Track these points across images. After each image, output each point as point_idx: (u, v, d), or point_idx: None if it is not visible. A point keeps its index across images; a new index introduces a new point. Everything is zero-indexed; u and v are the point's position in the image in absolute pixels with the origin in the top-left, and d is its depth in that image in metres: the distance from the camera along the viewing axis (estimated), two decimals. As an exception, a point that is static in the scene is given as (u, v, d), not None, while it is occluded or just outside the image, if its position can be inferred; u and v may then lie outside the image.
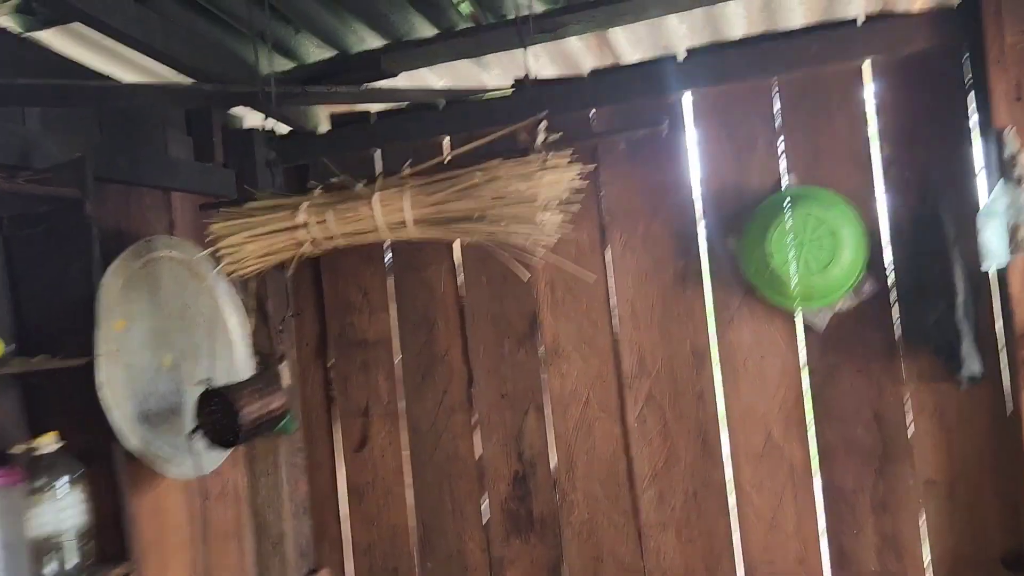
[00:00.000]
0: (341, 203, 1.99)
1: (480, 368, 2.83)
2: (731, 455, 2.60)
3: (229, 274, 2.13)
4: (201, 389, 2.11)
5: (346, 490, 3.00)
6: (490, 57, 2.83)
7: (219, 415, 2.17)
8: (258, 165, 2.86)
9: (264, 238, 2.02)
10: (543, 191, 1.86)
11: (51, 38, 2.34)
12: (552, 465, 2.77)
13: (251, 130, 2.89)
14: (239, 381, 2.21)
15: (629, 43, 2.78)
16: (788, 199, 2.44)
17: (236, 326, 2.62)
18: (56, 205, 2.08)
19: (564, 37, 2.54)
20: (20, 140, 2.16)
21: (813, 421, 2.53)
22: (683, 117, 2.61)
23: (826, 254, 2.37)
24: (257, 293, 2.84)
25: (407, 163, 1.98)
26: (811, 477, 2.53)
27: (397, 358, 2.93)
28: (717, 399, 2.60)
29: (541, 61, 2.85)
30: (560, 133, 1.90)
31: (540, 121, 1.85)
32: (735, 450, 2.59)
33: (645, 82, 2.57)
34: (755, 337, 2.56)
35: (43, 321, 2.13)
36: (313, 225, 1.99)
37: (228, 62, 2.53)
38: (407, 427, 2.92)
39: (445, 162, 1.97)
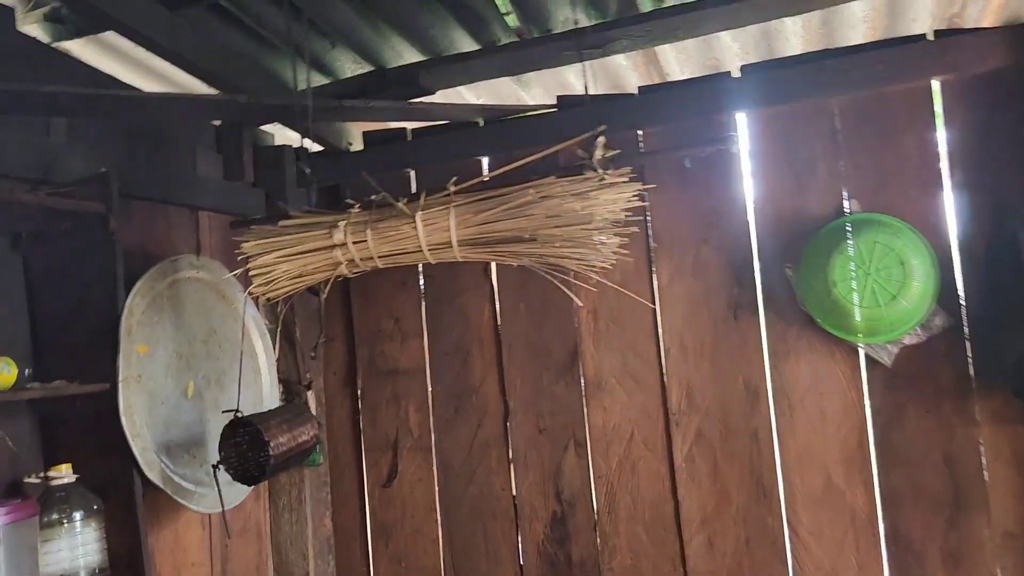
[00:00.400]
0: (381, 221, 1.86)
1: (517, 401, 2.68)
2: (787, 499, 2.42)
3: (260, 296, 2.00)
4: (228, 418, 1.97)
5: (373, 528, 2.84)
6: (530, 75, 2.72)
7: (246, 447, 2.04)
8: (288, 184, 2.74)
9: (298, 258, 1.90)
10: (600, 211, 1.72)
11: (80, 49, 2.25)
12: (593, 506, 2.60)
13: (282, 147, 2.78)
14: (267, 411, 2.08)
15: (678, 61, 2.67)
16: (851, 225, 2.30)
17: (263, 352, 2.49)
18: (79, 221, 1.97)
19: (613, 53, 2.42)
20: (44, 153, 2.05)
21: (877, 464, 2.35)
22: (738, 138, 2.47)
23: (894, 285, 2.21)
24: (285, 318, 2.70)
25: (452, 179, 1.85)
26: (875, 525, 2.35)
27: (429, 389, 2.78)
28: (772, 438, 2.43)
29: (585, 79, 2.73)
30: (618, 151, 1.77)
31: (598, 135, 1.72)
32: (791, 494, 2.42)
33: (698, 100, 2.44)
34: (814, 372, 2.40)
35: (62, 343, 2.01)
36: (351, 245, 1.86)
37: (261, 76, 2.43)
38: (438, 462, 2.76)
39: (488, 179, 1.84)
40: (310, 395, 2.70)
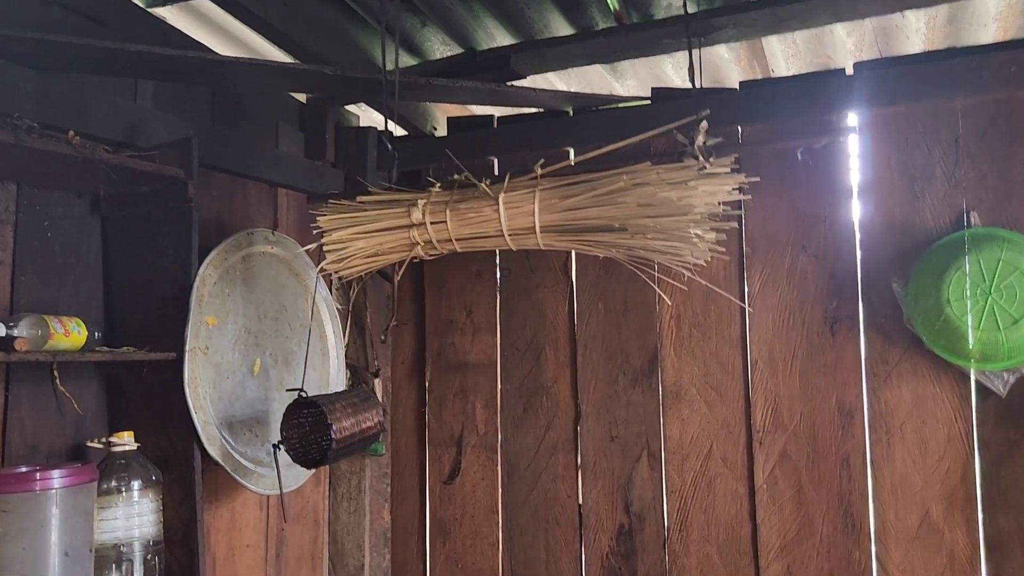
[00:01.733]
0: (462, 202, 1.76)
1: (589, 405, 2.55)
2: (877, 533, 2.23)
3: (333, 276, 1.93)
4: (292, 397, 1.90)
5: (432, 525, 2.75)
6: (625, 65, 2.60)
7: (309, 428, 1.97)
8: (369, 166, 2.69)
9: (374, 236, 1.82)
10: (699, 201, 1.58)
11: (173, 16, 2.24)
12: (664, 522, 2.45)
13: (366, 129, 2.73)
14: (334, 392, 2.00)
15: (784, 56, 2.51)
16: (970, 240, 2.09)
17: (332, 335, 2.43)
18: (158, 186, 1.94)
19: (718, 43, 2.28)
20: (129, 116, 2.03)
21: (982, 503, 2.14)
22: (847, 139, 2.29)
23: (1017, 307, 2.00)
24: (356, 302, 2.64)
25: (540, 162, 1.74)
26: (976, 570, 2.13)
27: (498, 386, 2.68)
28: (866, 466, 2.24)
29: (683, 72, 2.59)
30: (720, 139, 1.63)
31: (701, 120, 1.58)
32: (883, 528, 2.22)
33: (806, 98, 2.27)
34: (917, 398, 2.20)
35: (133, 309, 1.98)
36: (429, 225, 1.77)
37: (349, 51, 2.38)
38: (503, 462, 2.65)
39: (576, 163, 1.73)
40: (377, 383, 2.63)
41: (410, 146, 2.70)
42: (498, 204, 1.72)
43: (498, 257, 2.68)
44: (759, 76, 2.57)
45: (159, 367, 1.91)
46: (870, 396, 2.25)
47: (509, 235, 1.74)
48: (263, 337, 2.17)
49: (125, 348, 1.90)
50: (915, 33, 2.34)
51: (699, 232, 1.60)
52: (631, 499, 2.48)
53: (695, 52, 2.41)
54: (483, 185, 1.76)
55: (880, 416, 2.24)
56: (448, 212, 1.76)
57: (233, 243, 2.08)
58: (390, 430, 2.79)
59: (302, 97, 2.69)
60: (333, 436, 1.80)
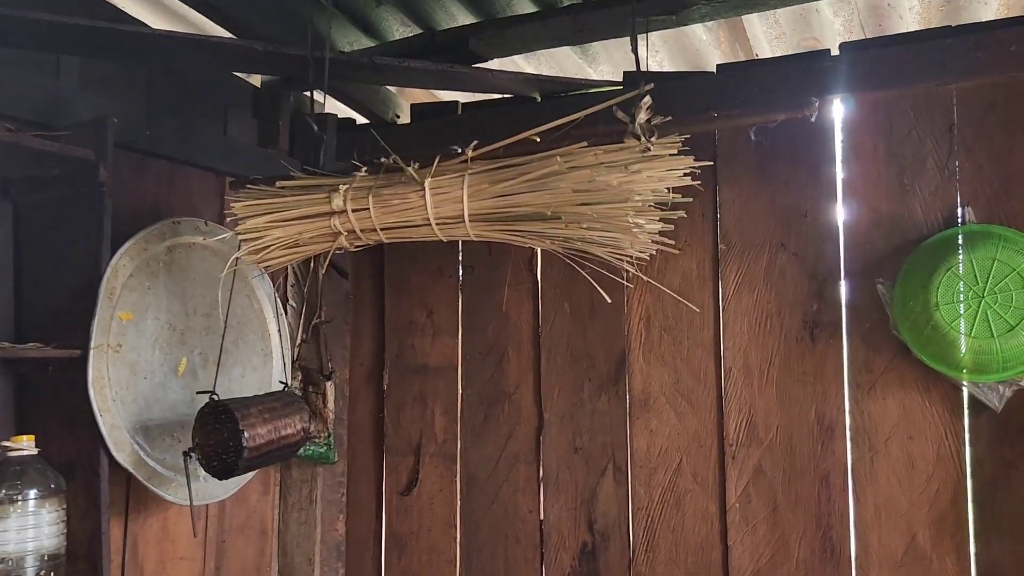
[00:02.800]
0: (386, 188, 1.60)
1: (553, 413, 2.37)
2: (858, 560, 2.03)
3: (258, 265, 1.77)
4: (204, 401, 1.74)
5: (387, 539, 2.58)
6: (598, 48, 2.43)
7: (227, 434, 1.80)
8: (327, 156, 2.52)
9: (293, 224, 1.65)
10: (640, 187, 1.41)
11: (104, -11, 2.09)
12: (629, 541, 2.26)
13: (325, 116, 2.57)
14: (252, 396, 1.84)
15: (767, 39, 2.32)
16: (963, 238, 1.90)
17: (275, 333, 2.27)
18: (68, 169, 1.79)
19: (689, 23, 2.09)
20: (49, 96, 1.89)
21: (974, 529, 1.93)
22: (832, 127, 2.09)
23: (1013, 313, 1.80)
24: (309, 300, 2.49)
25: (472, 144, 1.57)
26: (967, 603, 1.93)
27: (459, 391, 2.50)
28: (847, 485, 2.04)
29: (659, 56, 2.42)
30: (668, 117, 1.45)
31: (643, 95, 1.40)
32: (865, 553, 2.02)
33: (786, 81, 2.08)
34: (903, 411, 2.00)
35: (44, 302, 1.84)
36: (351, 213, 1.61)
37: (300, 32, 2.21)
38: (462, 473, 2.48)
39: (509, 144, 1.56)
40: (329, 386, 2.47)
41: (369, 135, 2.53)
42: (424, 190, 1.55)
43: (460, 254, 2.51)
44: (742, 60, 2.38)
45: (65, 365, 1.76)
46: (852, 408, 2.05)
47: (436, 224, 1.57)
48: (191, 335, 2.02)
49: (31, 344, 1.76)
50: (908, 12, 2.14)
51: (641, 222, 1.41)
52: (595, 516, 2.30)
53: (670, 36, 2.24)
54: (410, 169, 1.59)
55: (863, 431, 2.03)
56: (371, 199, 1.60)
57: (155, 232, 1.92)
58: (347, 437, 2.63)
59: (256, 81, 2.54)
60: (245, 444, 1.64)
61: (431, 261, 2.54)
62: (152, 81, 2.19)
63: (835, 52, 2.08)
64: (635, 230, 1.40)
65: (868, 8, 2.16)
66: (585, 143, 1.44)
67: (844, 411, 2.06)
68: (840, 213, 2.08)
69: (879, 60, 2.02)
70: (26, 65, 1.86)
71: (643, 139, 1.39)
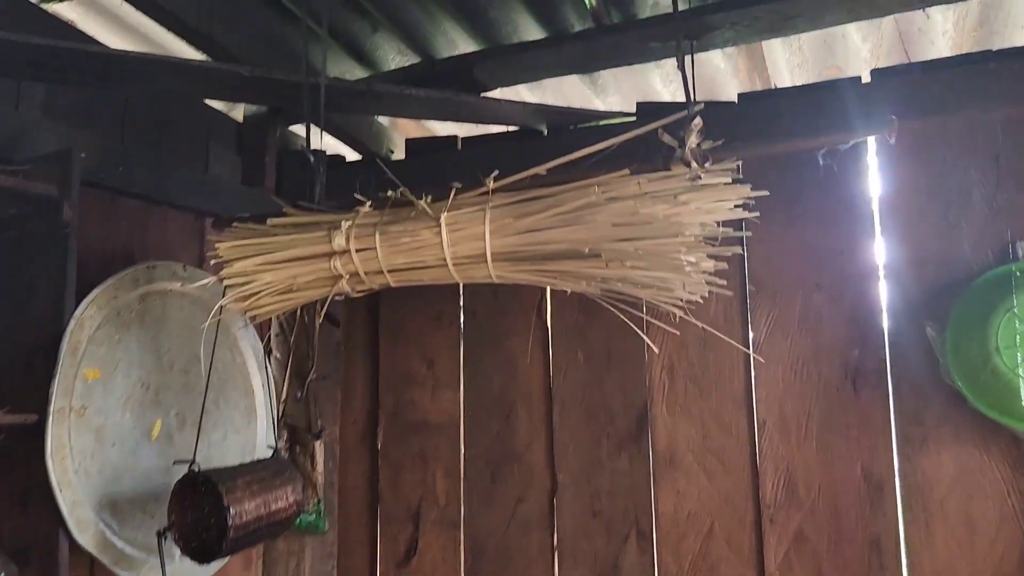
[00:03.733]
0: (395, 224, 1.40)
1: (568, 473, 2.15)
2: (917, 634, 1.82)
3: (245, 314, 1.56)
4: (182, 472, 1.52)
5: (383, 616, 2.32)
6: (607, 78, 2.28)
7: (208, 510, 1.57)
8: (318, 196, 2.33)
9: (287, 266, 1.45)
10: (691, 220, 1.22)
11: (69, 11, 1.90)
12: (656, 616, 2.04)
13: (314, 152, 2.38)
14: (239, 465, 1.61)
15: (788, 66, 2.18)
16: (1019, 275, 1.74)
17: (260, 389, 2.05)
18: (27, 207, 1.58)
19: (713, 47, 1.95)
20: (7, 127, 1.69)
21: (1046, 598, 1.74)
22: (865, 159, 1.94)
23: (1083, 356, 1.64)
24: (297, 351, 2.27)
25: (493, 174, 1.39)
26: None
27: (462, 450, 2.28)
28: (899, 551, 1.84)
29: (673, 86, 2.27)
30: (720, 141, 1.28)
31: (693, 116, 1.23)
32: (924, 627, 1.82)
33: (816, 111, 1.93)
34: (960, 467, 1.81)
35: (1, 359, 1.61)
36: (354, 253, 1.41)
37: (283, 57, 2.04)
38: (467, 542, 2.24)
39: (540, 174, 1.38)
40: (319, 446, 2.24)
41: (363, 171, 2.35)
42: (439, 226, 1.36)
43: (462, 298, 2.31)
44: (760, 89, 2.24)
45: (19, 433, 1.52)
46: (903, 465, 1.86)
47: (453, 264, 1.37)
48: (167, 393, 1.79)
49: (-20, 408, 1.52)
50: (941, 37, 2.02)
51: (692, 260, 1.23)
52: (617, 588, 2.07)
53: (687, 56, 2.08)
54: (422, 203, 1.40)
55: (916, 490, 1.84)
56: (377, 236, 1.40)
57: (126, 278, 1.71)
58: (338, 502, 2.39)
59: (239, 115, 2.35)
60: (230, 522, 1.41)
61: (430, 306, 2.34)
62: (125, 113, 2.00)
63: (866, 77, 1.94)
64: (688, 268, 1.21)
65: (898, 33, 2.03)
66: (627, 171, 1.26)
67: (894, 468, 1.87)
68: (880, 251, 1.92)
69: (916, 87, 1.87)
70: (-20, 92, 1.66)
71: (694, 165, 1.21)
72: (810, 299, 1.97)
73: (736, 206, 1.29)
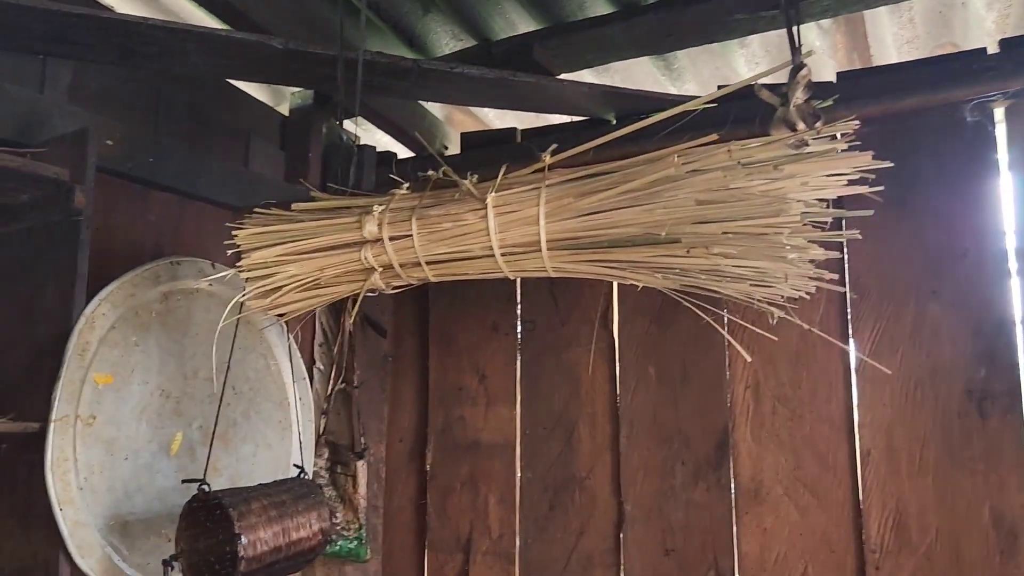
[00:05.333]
0: (434, 207, 1.19)
1: (636, 504, 1.90)
2: None
3: (268, 312, 1.38)
4: (191, 494, 1.33)
5: (429, 656, 2.10)
6: (684, 61, 2.04)
7: (222, 537, 1.38)
8: (352, 177, 2.15)
9: (312, 258, 1.26)
10: (797, 195, 0.98)
11: (100, -12, 1.76)
12: (739, 674, 1.76)
13: (362, 148, 2.21)
14: (256, 486, 1.42)
15: (896, 42, 1.90)
16: None
17: (296, 401, 1.86)
18: (38, 193, 1.43)
19: (810, 19, 1.70)
20: (29, 111, 1.55)
21: None
22: (993, 143, 1.66)
23: None
24: (338, 361, 2.08)
25: (551, 147, 1.18)
26: None
27: (518, 474, 2.05)
28: (1039, 610, 1.53)
29: (759, 67, 2.02)
30: (836, 95, 1.03)
31: (800, 67, 0.99)
32: None
33: (931, 87, 1.66)
34: (1117, 511, 1.50)
35: (5, 362, 1.46)
36: (387, 241, 1.21)
37: (323, 39, 1.86)
38: (522, 577, 2.01)
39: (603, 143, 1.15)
40: (361, 466, 2.04)
41: (413, 167, 2.16)
42: (486, 208, 1.15)
43: (519, 306, 2.09)
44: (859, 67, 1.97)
45: (21, 443, 1.36)
46: (1042, 506, 1.55)
47: (502, 254, 1.15)
48: (189, 404, 1.61)
49: (-20, 415, 1.37)
50: (1083, 3, 1.72)
51: (800, 244, 0.99)
52: (693, 639, 1.81)
53: (770, 43, 1.85)
54: (467, 183, 1.19)
55: (1059, 537, 1.53)
56: (415, 222, 1.19)
57: (146, 275, 1.54)
58: (382, 528, 2.18)
59: (285, 109, 2.20)
60: (241, 554, 1.21)
61: (484, 314, 2.12)
62: (159, 101, 1.86)
63: (993, 48, 1.66)
64: (792, 257, 0.97)
65: (1028, 0, 1.74)
66: (715, 135, 1.03)
67: (1030, 510, 1.56)
68: (1011, 251, 1.62)
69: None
70: (1, 72, 1.53)
71: (800, 125, 0.97)
72: (924, 308, 1.68)
73: (851, 181, 1.04)
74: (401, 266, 1.22)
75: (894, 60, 1.95)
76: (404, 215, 1.21)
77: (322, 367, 2.14)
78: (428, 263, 1.21)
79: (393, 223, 1.21)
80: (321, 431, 2.02)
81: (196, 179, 1.88)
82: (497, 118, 2.40)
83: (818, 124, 0.98)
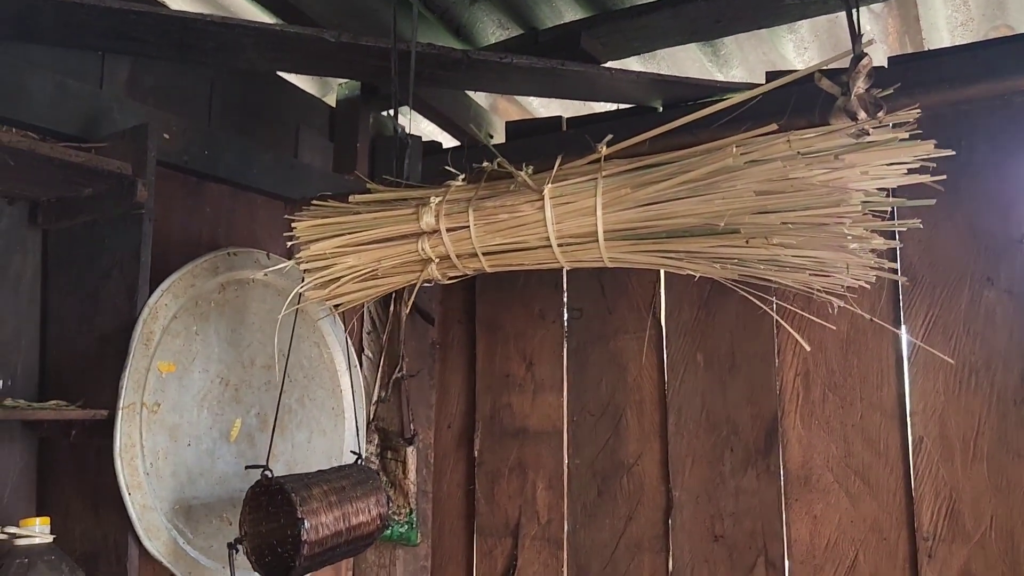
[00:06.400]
0: (491, 199, 1.21)
1: (685, 490, 1.91)
2: None
3: (326, 303, 1.41)
4: (255, 479, 1.37)
5: (478, 638, 2.14)
6: (731, 47, 2.03)
7: (283, 520, 1.42)
8: (406, 169, 2.17)
9: (370, 249, 1.28)
10: (858, 185, 0.98)
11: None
12: (788, 659, 1.77)
13: (407, 137, 2.23)
14: (316, 472, 1.45)
15: (949, 26, 1.87)
16: None
17: (348, 388, 1.90)
18: (101, 187, 1.48)
19: (861, 2, 1.67)
20: (89, 107, 1.59)
21: None
22: (1052, 127, 1.63)
23: None
24: (387, 349, 2.11)
25: (607, 138, 1.18)
26: None
27: (566, 460, 2.07)
28: (1098, 600, 1.52)
29: (807, 54, 2.00)
30: (893, 88, 1.03)
31: (861, 56, 0.99)
32: None
33: (986, 70, 1.63)
34: None
35: (71, 350, 1.51)
36: (444, 233, 1.22)
37: (371, 30, 1.88)
38: (571, 562, 2.03)
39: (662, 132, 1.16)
40: (411, 452, 2.08)
41: (459, 157, 2.18)
42: (543, 199, 1.16)
43: (565, 294, 2.10)
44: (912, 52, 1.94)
45: (89, 429, 1.41)
46: (1101, 495, 1.53)
47: (559, 245, 1.17)
48: (247, 391, 1.66)
49: (51, 403, 1.42)
50: None
51: (861, 234, 0.98)
52: (742, 624, 1.82)
53: (820, 28, 1.82)
54: (523, 174, 1.20)
55: (1119, 526, 1.51)
56: (471, 214, 1.21)
57: (205, 266, 1.58)
58: (432, 513, 2.22)
59: (332, 100, 2.23)
60: (304, 537, 1.24)
61: (532, 302, 2.14)
62: (213, 95, 1.90)
63: (1052, 33, 1.63)
64: (854, 246, 0.97)
65: (1088, -20, 1.70)
66: (775, 125, 1.03)
67: (1089, 498, 1.54)
68: (1070, 236, 1.60)
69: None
70: (64, 69, 1.57)
71: (862, 115, 0.97)
72: (979, 295, 1.66)
73: (911, 170, 1.03)
74: (458, 257, 1.24)
75: (947, 43, 1.92)
76: (460, 207, 1.23)
77: (371, 355, 2.17)
78: (485, 254, 1.22)
79: (450, 215, 1.23)
80: (371, 418, 2.06)
81: (248, 171, 1.91)
82: (542, 106, 2.41)
83: (880, 114, 0.98)
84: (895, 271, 1.68)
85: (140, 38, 1.50)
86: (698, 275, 1.12)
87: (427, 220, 1.23)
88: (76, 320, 1.50)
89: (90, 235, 1.50)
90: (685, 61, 2.10)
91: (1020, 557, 1.58)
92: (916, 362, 1.71)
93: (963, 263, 1.68)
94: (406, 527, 2.06)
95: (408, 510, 2.05)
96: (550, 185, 1.16)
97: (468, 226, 1.21)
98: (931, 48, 1.94)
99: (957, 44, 1.87)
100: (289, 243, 1.35)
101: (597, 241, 1.13)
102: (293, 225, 1.32)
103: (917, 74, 1.67)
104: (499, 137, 2.33)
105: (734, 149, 1.04)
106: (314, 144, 2.16)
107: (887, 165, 1.02)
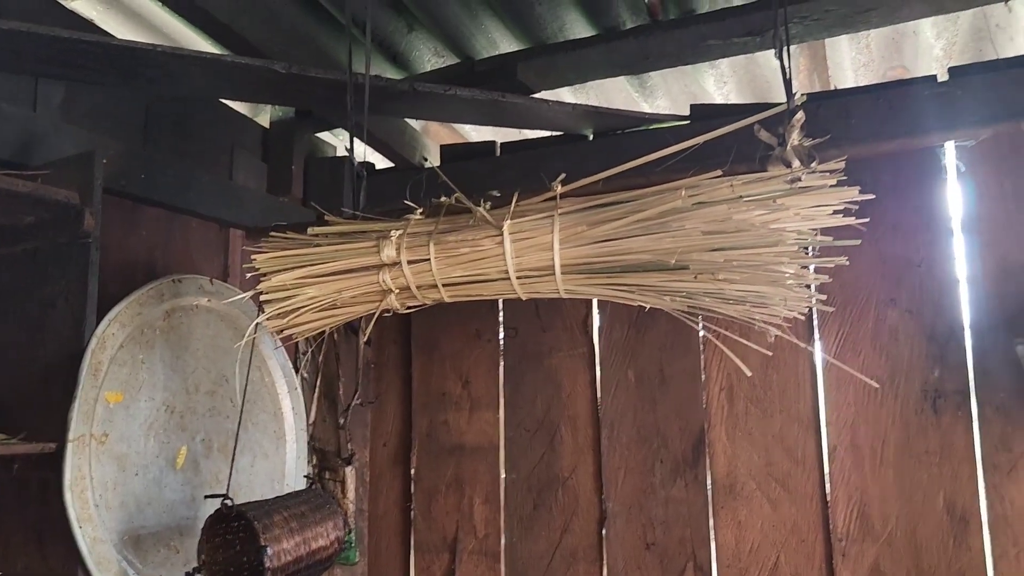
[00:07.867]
0: (451, 233, 1.27)
1: (618, 502, 2.01)
2: None
3: (279, 333, 1.43)
4: (210, 505, 1.38)
5: (417, 653, 2.18)
6: (656, 79, 2.15)
7: (240, 548, 1.43)
8: (346, 205, 2.20)
9: (330, 281, 1.32)
10: (793, 226, 1.09)
11: (89, 9, 1.78)
12: (716, 658, 1.88)
13: (342, 159, 2.26)
14: (275, 498, 1.47)
15: (853, 66, 2.04)
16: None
17: (290, 411, 1.91)
18: (46, 215, 1.45)
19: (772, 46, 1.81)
20: (23, 130, 1.56)
21: None
22: (943, 163, 1.80)
23: None
24: (325, 371, 2.13)
25: (560, 177, 1.26)
26: None
27: (502, 475, 2.14)
28: (988, 589, 1.69)
29: (727, 88, 2.13)
30: (826, 136, 1.14)
31: (795, 111, 1.10)
32: (1016, 675, 1.66)
33: (890, 114, 1.79)
34: (1055, 498, 1.66)
35: (13, 382, 1.47)
36: (405, 265, 1.27)
37: (316, 57, 1.91)
38: (508, 573, 2.10)
39: (610, 176, 1.24)
40: (350, 472, 2.10)
41: (395, 180, 2.22)
42: (502, 235, 1.22)
43: (501, 313, 2.17)
44: (820, 91, 2.10)
45: (34, 463, 1.39)
46: (990, 495, 1.71)
47: (518, 278, 1.23)
48: (192, 418, 1.65)
49: (-8, 436, 1.39)
50: (1021, 33, 1.88)
51: (794, 271, 1.09)
52: (673, 627, 1.92)
53: (738, 66, 1.96)
54: (481, 210, 1.27)
55: (1005, 521, 1.69)
56: (432, 247, 1.26)
57: (152, 294, 1.58)
58: (367, 531, 2.24)
59: (265, 120, 2.23)
60: (267, 564, 1.27)
61: (468, 322, 2.20)
62: (148, 118, 1.88)
63: (942, 76, 1.80)
64: (790, 282, 1.08)
65: (971, 31, 1.90)
66: (720, 171, 1.13)
67: (979, 498, 1.71)
68: (962, 261, 1.77)
69: (1001, 86, 1.73)
70: (-5, 93, 1.54)
71: (796, 163, 1.08)
72: (884, 315, 1.82)
73: (835, 211, 1.15)
74: (418, 288, 1.29)
75: (850, 82, 2.09)
76: (421, 240, 1.28)
77: (306, 376, 2.18)
78: (445, 285, 1.28)
79: (411, 247, 1.28)
80: (308, 439, 2.07)
81: (186, 193, 1.90)
82: (474, 130, 2.47)
83: (814, 164, 1.09)
84: (823, 301, 1.83)
85: (81, 65, 1.48)
86: (648, 307, 1.21)
87: (388, 253, 1.28)
88: (17, 350, 1.47)
89: (32, 263, 1.47)
90: (612, 91, 2.21)
91: (923, 553, 1.74)
92: (829, 376, 1.86)
93: (869, 285, 1.84)
94: (346, 546, 2.08)
95: (348, 530, 2.07)
96: (509, 221, 1.23)
97: (429, 259, 1.26)
98: (838, 87, 2.11)
99: (860, 85, 2.04)
100: (248, 275, 1.37)
101: (554, 274, 1.21)
102: (253, 257, 1.34)
103: (824, 117, 1.82)
104: (434, 159, 2.37)
105: (683, 192, 1.13)
106: (248, 165, 2.16)
107: (815, 207, 1.13)
